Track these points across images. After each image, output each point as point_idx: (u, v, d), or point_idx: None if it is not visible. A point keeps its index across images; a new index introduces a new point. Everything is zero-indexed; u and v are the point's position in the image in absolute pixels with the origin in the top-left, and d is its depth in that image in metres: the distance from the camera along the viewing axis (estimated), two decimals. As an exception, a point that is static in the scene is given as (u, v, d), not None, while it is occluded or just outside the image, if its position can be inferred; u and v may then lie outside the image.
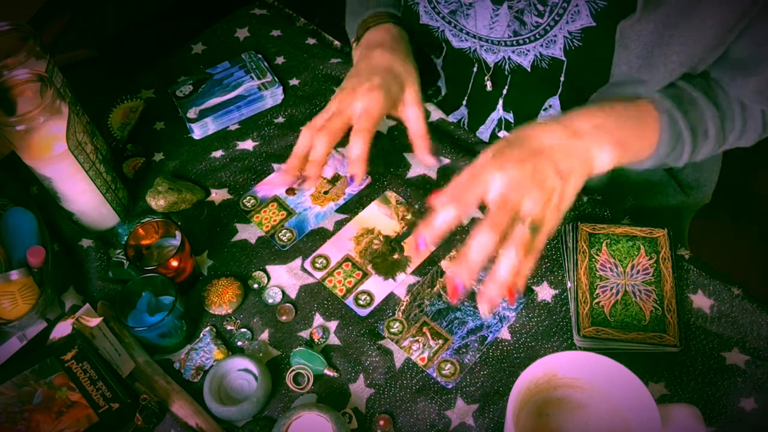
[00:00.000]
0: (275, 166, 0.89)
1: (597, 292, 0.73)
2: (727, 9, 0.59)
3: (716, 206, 1.07)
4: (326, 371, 0.71)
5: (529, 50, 0.73)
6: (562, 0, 0.66)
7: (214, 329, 0.75)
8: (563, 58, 0.71)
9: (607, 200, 0.82)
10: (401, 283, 0.77)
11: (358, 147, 0.71)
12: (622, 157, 0.65)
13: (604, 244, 0.76)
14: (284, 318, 0.75)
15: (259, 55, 1.00)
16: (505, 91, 0.81)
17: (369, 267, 0.79)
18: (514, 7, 0.70)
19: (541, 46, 0.71)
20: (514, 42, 0.73)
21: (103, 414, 0.64)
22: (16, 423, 0.63)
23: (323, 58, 1.00)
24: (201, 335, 0.75)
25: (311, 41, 1.03)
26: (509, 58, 0.76)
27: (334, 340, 0.74)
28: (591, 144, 0.63)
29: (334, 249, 0.80)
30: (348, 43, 1.01)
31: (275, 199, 0.85)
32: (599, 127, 0.64)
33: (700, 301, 0.73)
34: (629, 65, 0.66)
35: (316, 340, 0.74)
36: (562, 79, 0.73)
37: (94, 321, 0.68)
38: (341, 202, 0.85)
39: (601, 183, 0.85)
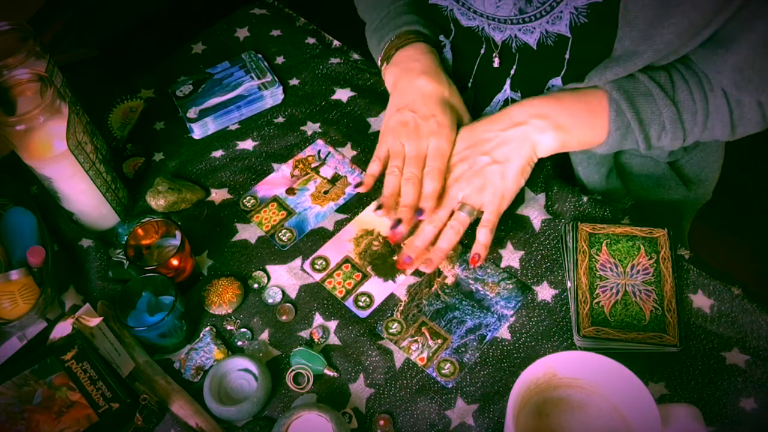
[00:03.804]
0: (275, 165, 0.89)
1: (597, 292, 0.73)
2: None
3: (717, 206, 1.07)
4: (326, 371, 0.71)
5: (535, 28, 0.73)
6: None
7: (214, 329, 0.75)
8: (569, 35, 0.71)
9: (607, 200, 0.82)
10: (401, 285, 0.77)
11: (431, 186, 0.75)
12: (567, 140, 0.74)
13: (604, 244, 0.76)
14: (284, 318, 0.75)
15: (259, 55, 1.00)
16: (512, 71, 0.81)
17: (368, 268, 0.79)
18: None
19: (547, 22, 0.71)
20: (520, 20, 0.73)
21: (103, 414, 0.64)
22: (16, 423, 0.63)
23: (323, 58, 1.00)
24: (201, 335, 0.75)
25: (311, 41, 1.03)
26: (515, 37, 0.76)
27: (334, 340, 0.74)
28: (530, 130, 0.74)
29: (334, 250, 0.80)
30: (349, 44, 1.02)
31: (275, 199, 0.86)
32: (539, 114, 0.74)
33: (700, 301, 0.73)
34: (631, 39, 0.66)
35: (316, 340, 0.74)
36: (567, 56, 0.73)
37: (94, 321, 0.69)
38: (341, 201, 0.85)
39: (602, 180, 0.85)
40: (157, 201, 0.84)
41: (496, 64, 0.81)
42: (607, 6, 0.66)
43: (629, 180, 0.87)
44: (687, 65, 0.71)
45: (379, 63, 0.87)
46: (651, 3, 0.63)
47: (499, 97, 0.85)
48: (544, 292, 0.75)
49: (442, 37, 0.86)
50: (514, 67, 0.80)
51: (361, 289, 0.77)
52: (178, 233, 0.76)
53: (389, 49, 0.84)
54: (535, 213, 0.81)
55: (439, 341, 0.73)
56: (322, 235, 0.82)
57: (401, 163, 0.77)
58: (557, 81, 0.78)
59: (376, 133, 0.91)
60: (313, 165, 0.88)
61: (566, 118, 0.74)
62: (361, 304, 0.76)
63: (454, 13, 0.80)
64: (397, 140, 0.78)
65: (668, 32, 0.64)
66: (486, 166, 0.74)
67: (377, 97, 0.94)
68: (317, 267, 0.79)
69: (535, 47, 0.75)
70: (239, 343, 0.74)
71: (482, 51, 0.82)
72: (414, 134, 0.77)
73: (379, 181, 0.87)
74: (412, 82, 0.80)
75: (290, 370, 0.72)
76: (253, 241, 0.82)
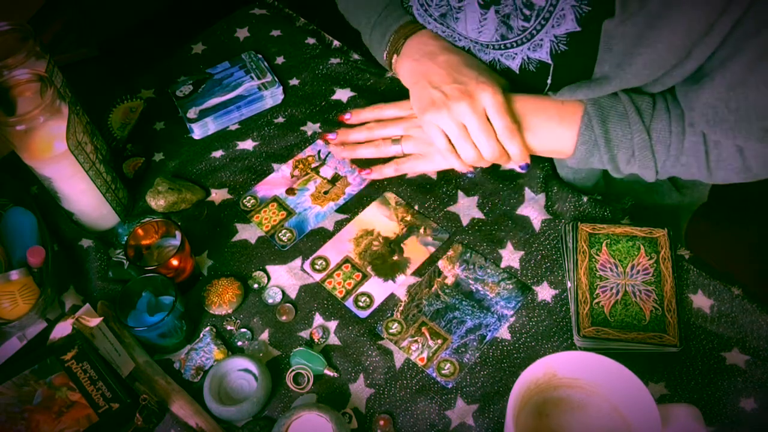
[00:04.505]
0: (275, 165, 0.89)
1: (597, 292, 0.73)
2: (694, 20, 0.59)
3: (715, 206, 1.07)
4: (326, 371, 0.71)
5: (516, 54, 0.73)
6: (548, 5, 0.66)
7: (214, 329, 0.75)
8: (550, 62, 0.71)
9: (607, 200, 0.82)
10: (401, 285, 0.77)
11: (515, 146, 0.73)
12: (530, 140, 0.75)
13: (604, 244, 0.76)
14: (284, 318, 0.75)
15: (259, 55, 1.00)
16: None
17: (368, 268, 0.79)
18: (500, 11, 0.70)
19: (528, 49, 0.71)
20: (502, 46, 0.73)
21: (103, 414, 0.64)
22: (16, 423, 0.63)
23: (323, 58, 1.00)
24: (201, 335, 0.75)
25: (311, 41, 1.03)
26: (498, 61, 0.76)
27: (334, 340, 0.74)
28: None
29: (334, 250, 0.80)
30: (349, 44, 1.01)
31: (275, 199, 0.86)
32: (514, 110, 0.74)
33: (700, 301, 0.73)
34: (610, 64, 0.66)
35: (316, 340, 0.74)
36: (548, 81, 0.74)
37: (94, 321, 0.69)
38: (341, 202, 0.85)
39: (599, 184, 0.85)
40: (157, 201, 0.84)
41: None
42: (586, 35, 0.66)
43: (619, 187, 0.87)
44: (674, 96, 0.70)
45: (384, 57, 0.84)
46: (631, 32, 0.62)
47: None
48: (544, 292, 0.75)
49: None
50: None
51: (361, 289, 0.77)
52: (178, 233, 0.76)
53: (396, 41, 0.81)
54: (535, 213, 0.81)
55: (439, 341, 0.73)
56: (322, 235, 0.82)
57: (469, 137, 0.73)
58: None
59: (376, 133, 0.91)
60: (313, 165, 0.88)
61: (537, 121, 0.73)
62: (361, 304, 0.76)
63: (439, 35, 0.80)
64: (450, 119, 0.72)
65: (637, 63, 0.64)
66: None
67: (377, 97, 0.94)
68: (317, 267, 0.79)
69: (517, 71, 0.75)
70: (239, 343, 0.74)
71: None
72: (465, 98, 0.71)
73: (381, 180, 0.87)
74: (433, 62, 0.76)
75: (290, 370, 0.72)
76: (253, 241, 0.82)
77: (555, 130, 0.73)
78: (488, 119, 0.72)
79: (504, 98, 0.72)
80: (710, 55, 0.62)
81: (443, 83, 0.74)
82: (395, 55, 0.82)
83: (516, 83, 0.77)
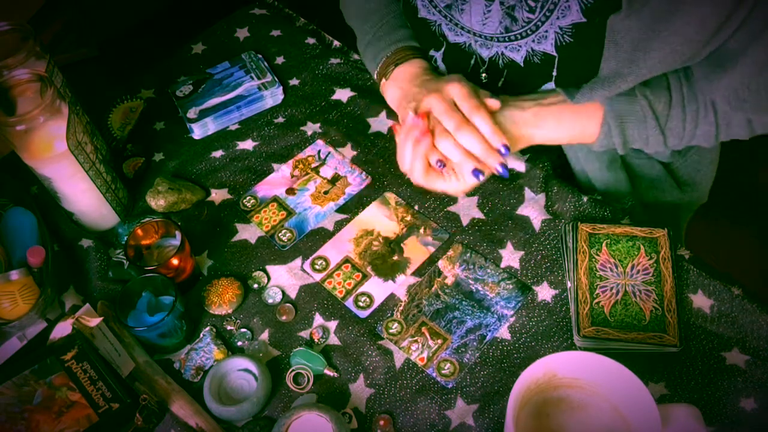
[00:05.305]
0: (275, 165, 0.89)
1: (597, 292, 0.73)
2: (707, 11, 0.60)
3: (715, 206, 1.07)
4: (326, 371, 0.71)
5: (521, 46, 0.73)
6: None
7: (214, 329, 0.75)
8: (554, 54, 0.71)
9: (607, 200, 0.82)
10: (401, 285, 0.77)
11: (483, 119, 0.71)
12: (554, 140, 0.76)
13: (604, 244, 0.76)
14: (284, 318, 0.75)
15: (259, 55, 1.00)
16: (500, 84, 0.81)
17: (368, 268, 0.79)
18: (505, 3, 0.70)
19: (533, 41, 0.72)
20: (506, 38, 0.73)
21: (103, 414, 0.64)
22: (16, 423, 0.63)
23: (323, 58, 1.00)
24: (201, 335, 0.75)
25: (311, 41, 1.03)
26: (502, 54, 0.76)
27: (334, 340, 0.74)
28: (531, 118, 0.75)
29: (334, 250, 0.80)
30: (349, 44, 1.02)
31: (275, 199, 0.86)
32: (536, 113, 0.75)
33: (700, 301, 0.73)
34: (617, 60, 0.66)
35: (316, 340, 0.74)
36: (554, 74, 0.74)
37: (94, 321, 0.69)
38: (341, 202, 0.85)
39: (604, 169, 0.85)
40: (157, 201, 0.84)
41: (484, 80, 0.81)
42: (591, 26, 0.66)
43: (624, 180, 0.87)
44: (690, 83, 0.71)
45: (375, 77, 0.86)
46: (637, 26, 0.63)
47: None
48: (544, 292, 0.75)
49: (433, 51, 0.85)
50: (502, 80, 0.80)
51: (361, 289, 0.77)
52: (178, 233, 0.76)
53: (386, 66, 0.83)
54: (535, 213, 0.81)
55: (439, 341, 0.73)
56: (322, 235, 0.82)
57: (440, 124, 0.72)
58: (549, 86, 0.78)
59: (377, 134, 0.91)
60: (313, 165, 0.88)
61: (554, 133, 0.75)
62: (361, 304, 0.76)
63: (442, 29, 0.80)
64: (419, 109, 0.73)
65: (651, 58, 0.64)
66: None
67: (377, 98, 0.94)
68: (317, 267, 0.79)
69: (522, 64, 0.75)
70: (239, 343, 0.74)
71: (472, 62, 0.81)
72: (434, 93, 0.72)
73: (381, 179, 0.87)
74: (414, 84, 0.79)
75: (290, 370, 0.72)
76: (253, 241, 0.82)
77: (573, 134, 0.75)
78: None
79: (471, 88, 0.73)
80: (728, 38, 0.63)
81: (419, 94, 0.76)
82: (384, 79, 0.83)
83: (521, 76, 0.77)
